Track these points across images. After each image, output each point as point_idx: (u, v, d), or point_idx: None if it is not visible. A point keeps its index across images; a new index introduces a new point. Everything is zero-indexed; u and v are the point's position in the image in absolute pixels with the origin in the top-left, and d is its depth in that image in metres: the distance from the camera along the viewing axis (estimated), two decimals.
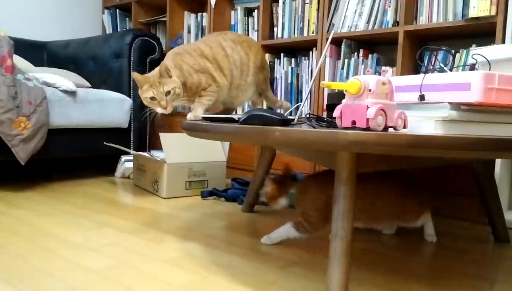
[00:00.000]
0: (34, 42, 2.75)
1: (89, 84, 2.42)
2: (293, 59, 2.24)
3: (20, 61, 2.11)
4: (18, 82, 1.84)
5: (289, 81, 2.20)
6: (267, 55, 2.26)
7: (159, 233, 1.32)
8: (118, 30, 3.08)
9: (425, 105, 0.86)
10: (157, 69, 1.33)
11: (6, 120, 1.74)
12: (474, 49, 1.09)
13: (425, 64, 1.73)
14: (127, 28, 3.07)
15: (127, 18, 3.12)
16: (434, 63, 1.70)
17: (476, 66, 1.06)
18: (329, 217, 1.08)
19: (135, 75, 1.32)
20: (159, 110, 1.32)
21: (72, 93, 2.07)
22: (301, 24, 2.13)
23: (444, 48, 1.05)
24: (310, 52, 2.11)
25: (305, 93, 2.14)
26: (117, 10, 3.09)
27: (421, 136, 0.72)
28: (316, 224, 1.14)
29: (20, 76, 1.89)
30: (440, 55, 1.73)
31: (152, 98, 1.30)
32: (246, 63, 1.47)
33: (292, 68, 2.20)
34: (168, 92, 1.29)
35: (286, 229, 1.18)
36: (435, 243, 1.32)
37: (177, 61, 1.37)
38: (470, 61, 1.06)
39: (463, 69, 1.62)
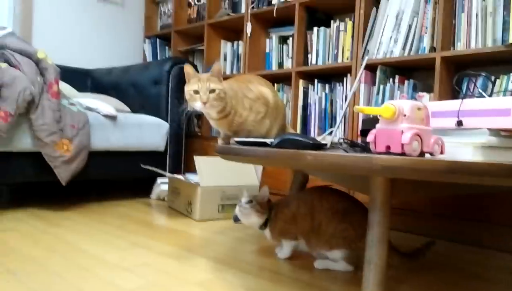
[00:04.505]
0: (79, 70, 2.91)
1: (128, 109, 2.52)
2: (327, 85, 2.25)
3: (66, 87, 2.23)
4: (62, 106, 1.94)
5: (323, 107, 2.20)
6: (301, 81, 2.28)
7: (191, 255, 1.33)
8: (158, 58, 3.21)
9: (463, 131, 0.84)
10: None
11: (50, 143, 1.83)
12: None
13: (463, 90, 1.69)
14: (167, 56, 3.19)
15: (166, 47, 3.25)
16: (473, 89, 1.65)
17: None
18: (292, 231, 1.30)
19: (187, 67, 1.29)
20: (198, 105, 1.26)
21: (112, 118, 2.15)
22: (336, 51, 2.15)
23: (484, 74, 1.02)
24: (344, 78, 2.11)
25: (339, 118, 2.13)
26: (158, 39, 3.23)
27: (458, 162, 0.70)
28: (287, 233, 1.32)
29: (65, 101, 2.00)
30: (480, 82, 1.68)
31: (195, 92, 1.26)
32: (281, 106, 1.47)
33: (326, 94, 2.20)
34: (213, 90, 1.25)
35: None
36: (476, 274, 1.26)
37: (242, 90, 1.34)
38: (511, 87, 1.03)
39: (504, 95, 1.57)
